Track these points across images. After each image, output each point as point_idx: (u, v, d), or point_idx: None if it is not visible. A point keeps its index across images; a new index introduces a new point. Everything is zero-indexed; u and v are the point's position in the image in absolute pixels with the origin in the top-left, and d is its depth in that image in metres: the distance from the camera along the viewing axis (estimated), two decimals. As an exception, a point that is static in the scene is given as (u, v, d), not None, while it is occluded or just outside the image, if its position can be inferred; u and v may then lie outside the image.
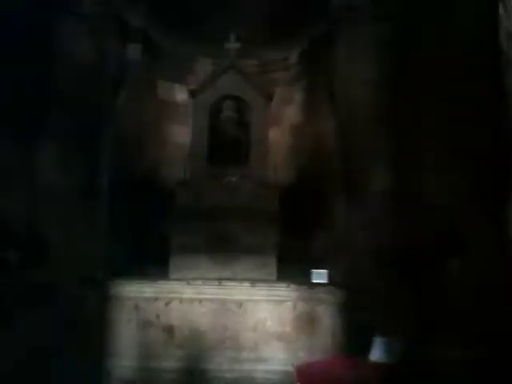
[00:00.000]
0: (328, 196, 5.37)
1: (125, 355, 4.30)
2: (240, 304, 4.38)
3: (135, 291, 4.43)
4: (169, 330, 4.34)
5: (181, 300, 4.40)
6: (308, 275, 4.75)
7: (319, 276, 4.59)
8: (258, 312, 4.39)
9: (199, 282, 4.45)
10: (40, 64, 4.66)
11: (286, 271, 5.07)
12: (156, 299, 4.41)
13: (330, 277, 4.59)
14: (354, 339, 4.22)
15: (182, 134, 6.20)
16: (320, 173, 5.68)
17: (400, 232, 4.37)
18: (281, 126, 6.38)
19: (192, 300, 4.40)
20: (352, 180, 4.92)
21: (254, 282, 4.46)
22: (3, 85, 4.30)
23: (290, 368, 4.16)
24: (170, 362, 4.26)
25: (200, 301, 4.39)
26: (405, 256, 4.29)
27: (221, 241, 5.11)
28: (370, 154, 4.81)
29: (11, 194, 4.23)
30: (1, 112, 4.28)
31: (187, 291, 4.42)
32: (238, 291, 4.42)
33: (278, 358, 4.29)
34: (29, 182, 4.36)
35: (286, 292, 4.42)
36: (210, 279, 4.54)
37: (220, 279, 4.53)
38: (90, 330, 4.21)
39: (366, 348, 4.02)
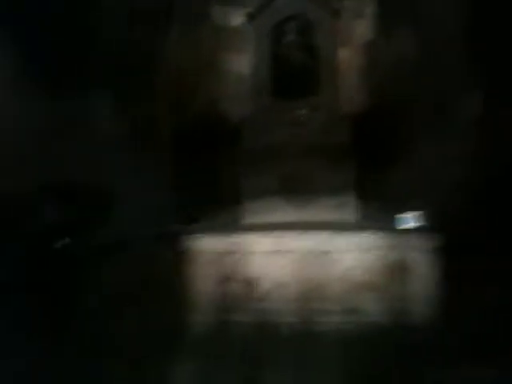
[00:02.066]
0: (412, 124, 4.76)
1: (203, 310, 4.06)
2: (325, 253, 3.98)
3: (211, 244, 4.11)
4: (249, 283, 4.04)
5: (260, 252, 4.06)
6: (393, 215, 4.31)
7: (409, 219, 4.10)
8: (346, 261, 3.97)
9: (279, 233, 4.06)
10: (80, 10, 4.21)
11: (368, 210, 4.66)
12: (233, 252, 4.08)
13: (421, 219, 4.09)
14: (452, 288, 3.80)
15: (242, 64, 5.63)
16: (400, 98, 5.03)
17: (495, 165, 3.82)
18: (352, 45, 5.63)
19: (272, 251, 4.03)
20: (440, 106, 4.31)
21: (338, 229, 4.03)
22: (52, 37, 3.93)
23: (382, 320, 3.86)
24: (252, 316, 4.00)
25: (281, 252, 4.03)
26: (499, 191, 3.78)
27: (295, 181, 4.73)
28: (459, 76, 4.15)
29: (66, 151, 3.97)
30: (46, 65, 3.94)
31: (266, 242, 4.06)
32: (322, 240, 4.01)
33: (369, 309, 3.93)
34: (84, 134, 4.06)
35: (374, 239, 3.97)
36: (289, 227, 4.15)
37: (301, 227, 4.13)
38: (164, 286, 4.00)
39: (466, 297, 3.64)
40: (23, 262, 3.68)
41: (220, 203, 4.78)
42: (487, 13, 3.99)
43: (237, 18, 5.58)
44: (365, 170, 4.70)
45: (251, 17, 5.19)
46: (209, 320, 4.05)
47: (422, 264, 3.90)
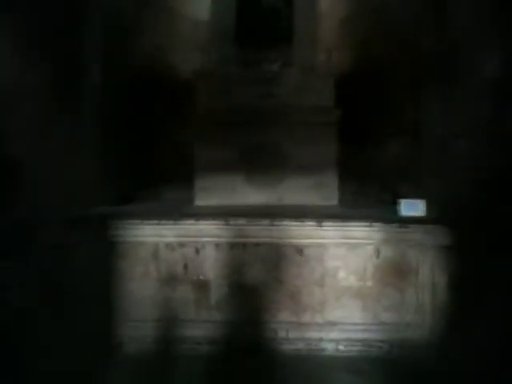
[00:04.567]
0: (407, 88, 3.88)
1: (140, 321, 3.09)
2: (300, 250, 3.06)
3: (152, 234, 3.10)
4: (202, 285, 3.09)
5: (217, 245, 3.09)
6: (382, 201, 3.45)
7: (410, 207, 3.22)
8: (327, 260, 3.08)
9: (240, 220, 3.09)
10: None
11: (353, 194, 3.78)
12: (183, 244, 3.09)
13: (422, 208, 3.22)
14: (461, 296, 2.98)
15: (199, 6, 4.54)
16: (391, 55, 4.13)
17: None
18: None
19: (232, 245, 3.08)
20: (447, 64, 3.42)
21: (315, 217, 3.09)
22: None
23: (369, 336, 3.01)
24: (205, 329, 3.07)
25: (244, 245, 3.08)
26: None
27: (261, 154, 3.77)
28: (475, 26, 3.27)
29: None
30: None
31: (225, 232, 3.08)
32: (296, 231, 3.07)
33: (354, 321, 3.06)
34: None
35: (362, 231, 3.06)
36: (253, 213, 3.19)
37: (269, 213, 3.18)
38: (88, 288, 2.98)
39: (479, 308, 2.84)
40: None
41: (164, 179, 3.77)
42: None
43: None
44: (349, 143, 3.81)
45: None
46: (147, 334, 3.09)
47: (425, 264, 3.05)
